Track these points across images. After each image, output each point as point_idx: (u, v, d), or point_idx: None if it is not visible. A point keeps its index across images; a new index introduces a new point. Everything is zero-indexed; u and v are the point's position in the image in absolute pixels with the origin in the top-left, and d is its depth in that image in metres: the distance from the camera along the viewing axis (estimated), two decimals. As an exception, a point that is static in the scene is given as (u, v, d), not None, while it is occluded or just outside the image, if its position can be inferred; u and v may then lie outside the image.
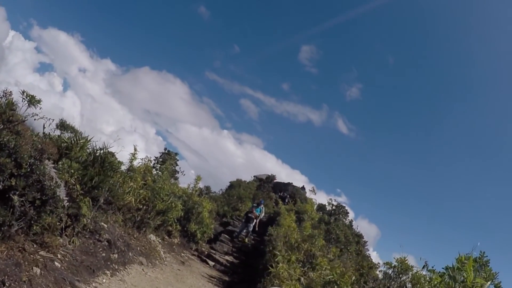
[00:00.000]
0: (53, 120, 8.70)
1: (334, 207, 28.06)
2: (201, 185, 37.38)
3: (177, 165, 22.37)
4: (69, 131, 9.62)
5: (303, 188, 39.91)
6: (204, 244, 17.61)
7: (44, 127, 8.53)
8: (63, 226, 8.20)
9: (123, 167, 13.19)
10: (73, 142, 8.59)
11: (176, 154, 22.85)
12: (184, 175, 20.50)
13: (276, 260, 10.84)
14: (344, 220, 27.57)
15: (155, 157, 21.07)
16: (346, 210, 28.09)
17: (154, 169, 15.06)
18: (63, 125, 9.45)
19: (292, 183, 39.89)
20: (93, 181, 8.40)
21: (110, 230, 10.03)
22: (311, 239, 14.06)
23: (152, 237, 13.82)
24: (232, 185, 36.24)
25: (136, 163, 14.19)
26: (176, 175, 21.47)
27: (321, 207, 31.33)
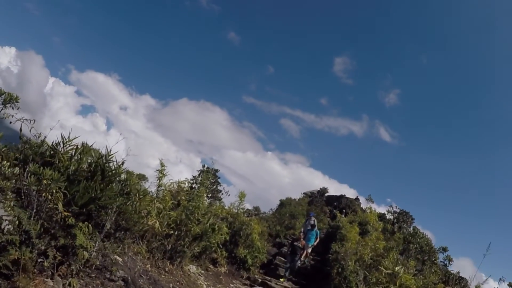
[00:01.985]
0: (34, 121, 6.32)
1: (396, 215, 24.27)
2: (249, 206, 34.76)
3: (219, 184, 19.69)
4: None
5: (357, 199, 36.30)
6: (256, 271, 14.66)
7: (20, 130, 6.15)
8: (55, 264, 5.69)
9: (151, 187, 10.75)
10: (59, 148, 6.10)
11: (217, 170, 20.19)
12: (228, 195, 17.54)
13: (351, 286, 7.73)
14: (408, 228, 23.71)
15: (193, 176, 18.53)
16: (411, 216, 24.21)
17: (189, 188, 12.47)
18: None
19: (345, 195, 36.37)
20: (88, 199, 5.81)
21: (128, 265, 7.38)
22: (389, 253, 10.79)
23: (192, 268, 11.10)
24: (283, 203, 33.30)
25: (166, 181, 11.64)
26: (218, 195, 18.79)
27: (379, 217, 27.60)
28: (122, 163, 6.93)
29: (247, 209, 30.30)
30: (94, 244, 6.31)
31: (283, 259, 16.69)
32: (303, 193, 38.52)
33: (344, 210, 27.88)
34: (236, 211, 15.06)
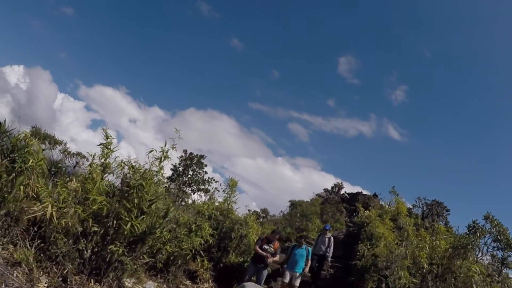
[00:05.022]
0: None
1: (428, 207, 19.67)
2: (256, 207, 30.33)
3: (205, 172, 15.36)
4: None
5: (375, 195, 31.59)
6: (255, 286, 10.31)
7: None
8: None
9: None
10: None
11: (202, 156, 15.89)
12: (219, 190, 12.61)
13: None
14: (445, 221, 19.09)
15: (173, 165, 14.31)
16: (445, 207, 19.57)
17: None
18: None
19: (361, 192, 31.76)
20: None
21: None
22: (461, 254, 6.39)
23: (150, 287, 6.93)
24: (294, 204, 28.93)
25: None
26: (206, 187, 14.49)
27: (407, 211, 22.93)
28: None
29: (254, 211, 26.13)
30: None
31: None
32: (316, 194, 34.15)
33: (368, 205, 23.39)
34: (226, 206, 10.78)
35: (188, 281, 8.73)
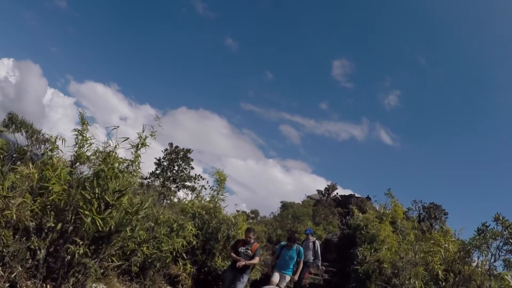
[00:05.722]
0: None
1: (424, 210, 18.87)
2: (246, 209, 29.32)
3: (191, 168, 14.30)
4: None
5: (368, 198, 30.82)
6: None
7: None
8: None
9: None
10: None
11: (189, 150, 14.80)
12: (207, 188, 11.26)
13: None
14: (442, 225, 18.25)
15: (157, 159, 13.25)
16: (443, 210, 18.76)
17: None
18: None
19: (354, 194, 30.94)
20: None
21: None
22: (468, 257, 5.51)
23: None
24: (285, 206, 28.03)
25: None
26: (192, 184, 13.45)
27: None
28: None
29: (243, 211, 25.11)
30: None
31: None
32: (308, 196, 33.27)
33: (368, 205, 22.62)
34: (212, 204, 9.79)
35: (168, 287, 7.75)
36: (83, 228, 4.56)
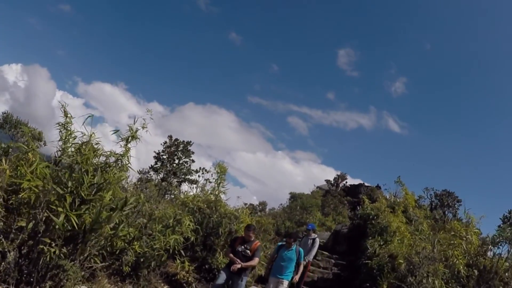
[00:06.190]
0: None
1: (437, 198, 18.14)
2: (255, 201, 28.80)
3: (192, 160, 13.75)
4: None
5: (378, 187, 30.09)
6: (248, 289, 8.88)
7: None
8: None
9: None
10: None
11: (189, 143, 14.21)
12: (209, 182, 10.40)
13: None
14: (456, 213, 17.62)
15: (156, 153, 12.75)
16: (456, 197, 18.00)
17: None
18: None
19: (364, 183, 30.21)
20: None
21: None
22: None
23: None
24: (294, 197, 27.47)
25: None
26: (193, 177, 12.93)
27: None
28: None
29: (250, 204, 24.58)
30: None
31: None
32: (317, 186, 32.67)
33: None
34: (213, 197, 9.27)
35: (166, 286, 7.28)
36: (55, 227, 4.06)
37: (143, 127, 5.83)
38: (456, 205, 17.87)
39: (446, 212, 17.49)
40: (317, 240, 9.70)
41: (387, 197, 21.74)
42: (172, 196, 13.73)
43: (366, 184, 30.36)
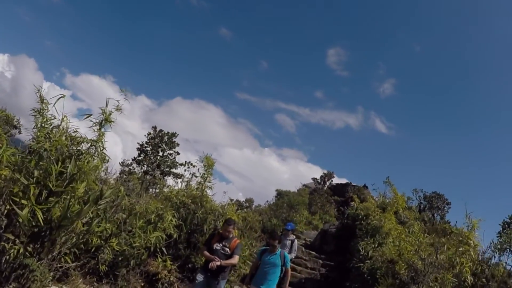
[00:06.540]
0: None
1: (425, 200, 17.99)
2: (242, 197, 28.39)
3: (176, 153, 13.28)
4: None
5: (365, 186, 29.99)
6: (233, 289, 8.50)
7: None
8: None
9: None
10: None
11: (174, 134, 13.77)
12: (195, 176, 9.76)
13: None
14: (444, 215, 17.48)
15: (139, 144, 12.27)
16: (446, 199, 17.87)
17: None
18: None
19: (350, 182, 30.06)
20: None
21: None
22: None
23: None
24: (280, 194, 27.15)
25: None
26: (177, 171, 12.48)
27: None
28: None
29: (236, 200, 24.17)
30: None
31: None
32: (304, 185, 32.41)
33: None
34: (199, 192, 8.83)
35: (146, 286, 6.82)
36: (19, 222, 3.58)
37: (117, 109, 5.31)
38: (445, 208, 17.75)
39: (435, 215, 17.34)
40: (296, 242, 9.29)
41: (375, 197, 21.57)
42: (157, 191, 13.27)
43: (353, 183, 30.26)
